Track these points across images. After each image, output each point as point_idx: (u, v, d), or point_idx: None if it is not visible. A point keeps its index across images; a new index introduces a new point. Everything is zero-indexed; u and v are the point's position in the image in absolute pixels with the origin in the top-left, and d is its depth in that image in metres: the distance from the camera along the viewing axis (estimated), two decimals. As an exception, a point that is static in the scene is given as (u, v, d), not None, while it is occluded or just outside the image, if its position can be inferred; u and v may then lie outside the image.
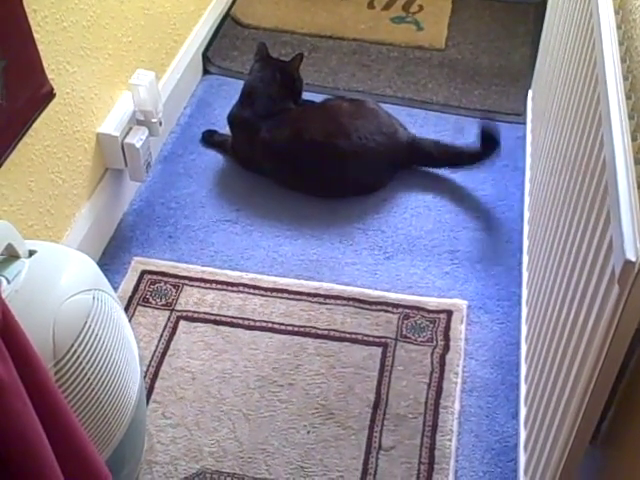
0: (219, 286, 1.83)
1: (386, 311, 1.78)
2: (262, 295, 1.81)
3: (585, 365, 1.02)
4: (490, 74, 2.44)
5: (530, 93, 2.16)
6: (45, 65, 1.54)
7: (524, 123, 2.15)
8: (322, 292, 1.82)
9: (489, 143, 2.03)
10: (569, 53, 1.47)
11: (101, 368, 1.23)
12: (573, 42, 1.45)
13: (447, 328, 1.74)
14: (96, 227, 1.86)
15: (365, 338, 1.73)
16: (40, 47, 1.51)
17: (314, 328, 1.75)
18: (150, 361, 1.68)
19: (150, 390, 1.63)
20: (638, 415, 1.00)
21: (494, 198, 2.05)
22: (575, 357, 1.09)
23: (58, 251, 1.31)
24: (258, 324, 1.76)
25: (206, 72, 2.46)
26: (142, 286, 1.83)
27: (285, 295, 1.81)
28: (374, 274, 1.88)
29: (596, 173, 1.10)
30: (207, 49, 2.47)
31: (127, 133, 1.89)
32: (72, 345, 1.17)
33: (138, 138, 1.89)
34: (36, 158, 1.58)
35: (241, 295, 1.81)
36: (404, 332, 1.74)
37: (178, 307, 1.79)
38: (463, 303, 1.80)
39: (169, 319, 1.76)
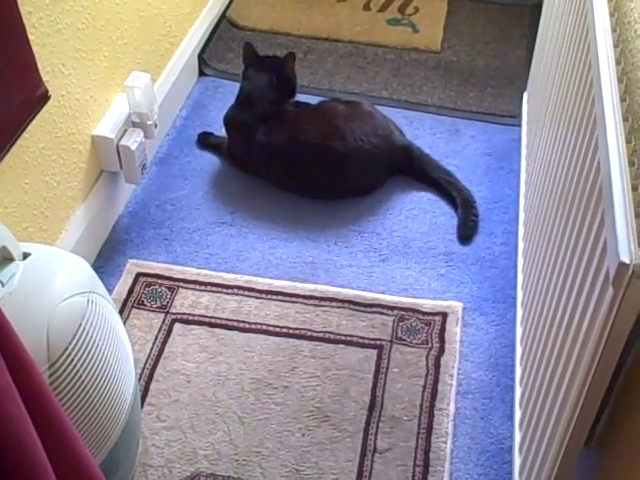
0: (214, 288, 1.83)
1: (381, 313, 1.78)
2: (257, 297, 1.81)
3: (580, 367, 1.02)
4: (485, 76, 2.44)
5: (525, 95, 2.16)
6: (40, 67, 1.53)
7: (519, 125, 2.15)
8: (317, 294, 1.82)
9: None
10: (564, 55, 1.48)
11: (95, 371, 1.22)
12: (568, 44, 1.45)
13: (442, 330, 1.74)
14: (91, 229, 1.86)
15: (360, 340, 1.73)
16: (35, 49, 1.51)
17: (309, 330, 1.75)
18: (145, 364, 1.68)
19: (145, 393, 1.63)
20: (633, 416, 1.00)
21: (489, 200, 2.06)
22: (570, 359, 1.09)
23: (52, 253, 1.31)
24: (253, 326, 1.75)
25: (202, 74, 2.46)
26: (137, 288, 1.82)
27: (280, 297, 1.81)
28: (369, 276, 1.88)
29: (591, 175, 1.10)
30: (203, 51, 2.47)
31: (122, 135, 1.89)
32: (66, 348, 1.17)
33: (133, 140, 1.89)
34: (31, 160, 1.58)
35: (236, 297, 1.81)
36: (399, 334, 1.74)
37: (173, 309, 1.78)
38: (458, 305, 1.80)
39: (164, 321, 1.76)
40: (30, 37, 1.49)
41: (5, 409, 0.84)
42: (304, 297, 1.81)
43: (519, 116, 2.19)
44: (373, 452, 1.55)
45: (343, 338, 1.74)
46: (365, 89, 2.38)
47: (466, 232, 1.97)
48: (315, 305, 1.80)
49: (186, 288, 1.83)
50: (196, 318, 1.77)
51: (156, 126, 1.98)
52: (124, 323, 1.70)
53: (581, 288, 1.07)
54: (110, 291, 1.78)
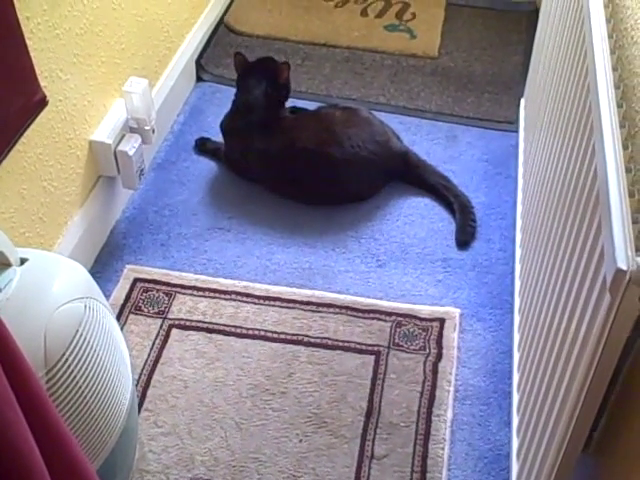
0: (212, 294, 1.83)
1: (379, 319, 1.78)
2: (255, 303, 1.81)
3: (577, 373, 1.02)
4: (483, 82, 2.44)
5: (523, 101, 2.16)
6: (38, 72, 1.53)
7: (517, 131, 2.15)
8: (315, 300, 1.82)
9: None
10: (561, 62, 1.48)
11: (93, 377, 1.22)
12: (565, 51, 1.45)
13: (440, 336, 1.74)
14: (88, 235, 1.85)
15: (358, 346, 1.73)
16: (33, 54, 1.51)
17: (306, 336, 1.75)
18: (142, 369, 1.68)
19: (142, 398, 1.63)
20: (630, 422, 1.00)
21: (487, 206, 2.06)
22: (567, 365, 1.09)
23: (50, 259, 1.31)
24: (250, 332, 1.75)
25: (199, 79, 2.46)
26: (134, 294, 1.82)
27: (278, 303, 1.81)
28: (367, 282, 1.88)
29: (588, 181, 1.10)
30: (200, 56, 2.47)
31: (120, 141, 1.89)
32: (64, 354, 1.17)
33: (131, 146, 1.89)
34: (28, 166, 1.58)
35: (233, 303, 1.81)
36: (397, 340, 1.74)
37: (170, 315, 1.78)
38: (456, 311, 1.80)
39: (161, 327, 1.76)
40: (28, 42, 1.49)
41: (2, 415, 0.84)
42: (301, 303, 1.81)
43: (516, 122, 2.20)
44: (370, 458, 1.55)
45: (340, 344, 1.73)
46: (362, 95, 2.39)
47: (464, 237, 1.97)
48: (312, 311, 1.80)
49: (183, 294, 1.83)
50: (193, 324, 1.77)
51: (154, 131, 1.98)
52: (121, 329, 1.70)
53: (578, 294, 1.07)
54: (107, 297, 1.78)
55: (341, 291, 1.85)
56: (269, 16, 2.68)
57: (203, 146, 2.22)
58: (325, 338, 1.74)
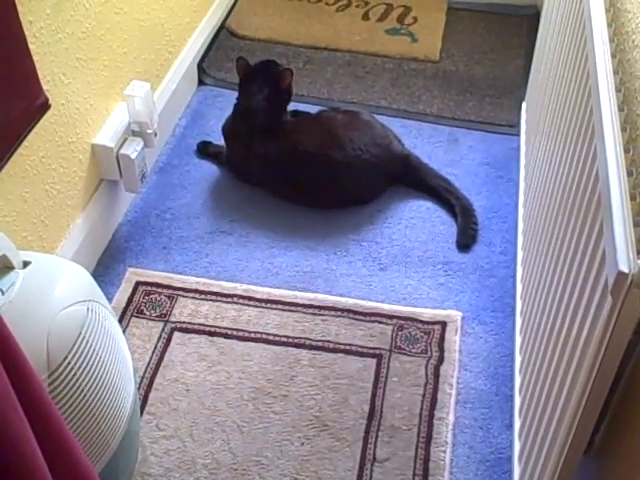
0: (213, 297, 1.83)
1: (380, 322, 1.78)
2: (256, 306, 1.81)
3: (579, 376, 1.02)
4: (484, 86, 2.45)
5: (524, 105, 2.17)
6: (40, 76, 1.54)
7: (518, 134, 2.16)
8: (316, 303, 1.82)
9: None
10: (562, 65, 1.48)
11: (95, 379, 1.22)
12: (566, 54, 1.45)
13: (441, 339, 1.75)
14: (90, 238, 1.86)
15: (359, 349, 1.73)
16: (35, 58, 1.51)
17: (308, 339, 1.75)
18: (144, 372, 1.68)
19: (144, 401, 1.63)
20: (632, 425, 1.00)
21: (488, 209, 2.06)
22: (569, 368, 1.09)
23: (52, 262, 1.31)
24: (252, 335, 1.75)
25: (201, 83, 2.46)
26: (136, 297, 1.82)
27: (279, 306, 1.81)
28: (368, 285, 1.88)
29: (589, 185, 1.10)
30: (202, 60, 2.48)
31: (122, 144, 1.90)
32: (66, 356, 1.17)
33: (133, 149, 1.90)
34: (31, 169, 1.58)
35: (235, 306, 1.81)
36: (398, 343, 1.74)
37: (172, 318, 1.78)
38: (457, 314, 1.80)
39: (163, 330, 1.76)
40: (31, 46, 1.49)
41: (5, 417, 0.84)
42: (303, 306, 1.81)
43: (518, 125, 2.20)
44: (372, 461, 1.55)
45: (342, 347, 1.74)
46: (364, 98, 2.39)
47: (466, 241, 1.97)
48: (314, 314, 1.80)
49: (185, 297, 1.83)
50: (195, 327, 1.77)
51: (156, 135, 1.98)
52: (123, 332, 1.70)
53: (580, 297, 1.07)
54: (109, 300, 1.78)
55: (343, 294, 1.85)
56: (271, 20, 2.69)
57: (205, 150, 2.23)
58: (327, 341, 1.75)
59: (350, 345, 1.74)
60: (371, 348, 1.73)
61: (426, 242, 1.98)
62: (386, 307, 1.81)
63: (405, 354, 1.72)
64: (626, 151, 1.01)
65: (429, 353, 1.72)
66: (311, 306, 1.81)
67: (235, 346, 1.73)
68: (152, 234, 1.99)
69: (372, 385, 1.67)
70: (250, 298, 1.83)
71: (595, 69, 1.13)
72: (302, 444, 1.57)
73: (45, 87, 1.56)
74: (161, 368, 1.69)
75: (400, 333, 1.76)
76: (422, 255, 1.95)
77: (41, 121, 1.57)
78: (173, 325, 1.77)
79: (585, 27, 1.27)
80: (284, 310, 1.80)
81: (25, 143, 1.54)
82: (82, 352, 1.19)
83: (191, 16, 2.37)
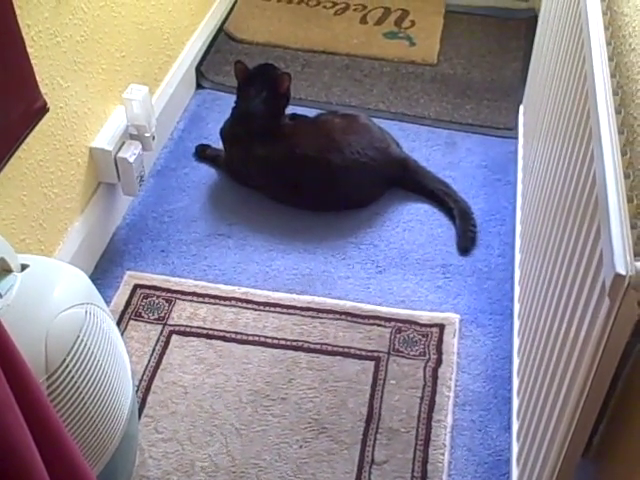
0: (212, 300, 1.83)
1: (378, 325, 1.78)
2: (255, 309, 1.81)
3: (577, 378, 1.03)
4: (482, 89, 2.45)
5: (521, 108, 2.17)
6: (39, 80, 1.54)
7: (516, 137, 2.16)
8: (314, 306, 1.82)
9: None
10: (560, 68, 1.49)
11: (93, 382, 1.22)
12: (564, 57, 1.46)
13: (439, 342, 1.75)
14: (89, 241, 1.86)
15: (357, 352, 1.73)
16: (34, 62, 1.51)
17: (306, 342, 1.75)
18: (142, 375, 1.68)
19: (142, 404, 1.63)
20: (630, 427, 1.00)
21: (486, 212, 2.06)
22: (567, 370, 1.09)
23: (50, 265, 1.31)
24: (251, 338, 1.75)
25: (199, 87, 2.47)
26: (134, 300, 1.82)
27: (278, 309, 1.81)
28: (367, 288, 1.88)
29: (586, 187, 1.10)
30: (200, 64, 2.48)
31: (120, 147, 1.90)
32: (64, 359, 1.17)
33: (131, 152, 1.90)
34: (29, 172, 1.58)
35: (234, 309, 1.81)
36: (396, 346, 1.74)
37: (170, 321, 1.78)
38: (455, 317, 1.80)
39: (161, 333, 1.76)
40: (29, 50, 1.49)
41: (4, 420, 0.84)
42: (301, 309, 1.81)
43: (515, 128, 2.20)
44: (371, 464, 1.55)
45: (340, 350, 1.74)
46: (362, 102, 2.40)
47: (465, 244, 1.97)
48: (312, 317, 1.80)
49: (184, 300, 1.83)
50: (194, 330, 1.77)
51: (154, 138, 1.99)
52: (122, 335, 1.70)
53: (577, 299, 1.08)
54: (107, 303, 1.78)
55: (341, 297, 1.85)
56: (269, 23, 2.69)
57: (203, 153, 2.23)
58: (325, 344, 1.75)
59: (348, 348, 1.74)
60: (369, 351, 1.73)
61: (424, 245, 1.98)
62: (384, 310, 1.81)
63: (403, 357, 1.72)
64: (623, 154, 1.01)
65: (427, 356, 1.72)
66: (309, 309, 1.81)
67: (233, 349, 1.73)
68: (150, 237, 1.99)
69: (370, 388, 1.67)
70: (248, 301, 1.83)
71: (592, 72, 1.13)
72: (300, 447, 1.57)
73: (43, 90, 1.57)
74: (159, 371, 1.69)
75: (398, 336, 1.76)
76: (420, 258, 1.95)
77: (39, 124, 1.58)
78: (171, 328, 1.77)
79: (582, 30, 1.28)
80: (282, 313, 1.81)
81: (23, 146, 1.54)
82: (80, 355, 1.19)
83: (189, 20, 2.37)
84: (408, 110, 2.37)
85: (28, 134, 1.54)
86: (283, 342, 1.75)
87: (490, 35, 2.68)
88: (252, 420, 1.61)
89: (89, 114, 1.80)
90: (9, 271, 1.19)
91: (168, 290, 1.85)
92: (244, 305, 1.82)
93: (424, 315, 1.80)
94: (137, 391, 1.64)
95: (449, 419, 1.61)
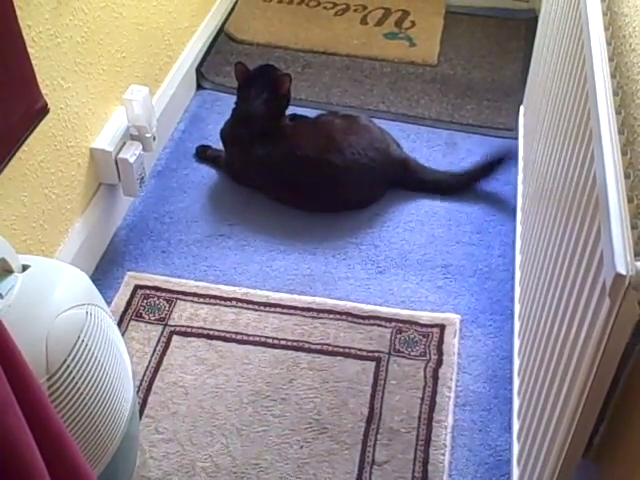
0: (212, 301, 1.83)
1: (379, 325, 1.78)
2: (255, 310, 1.81)
3: (577, 378, 1.03)
4: (482, 89, 2.45)
5: (522, 108, 2.17)
6: (39, 80, 1.54)
7: (516, 138, 2.16)
8: (315, 307, 1.82)
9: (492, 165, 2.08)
10: (560, 69, 1.49)
11: (94, 383, 1.22)
12: (564, 58, 1.46)
13: (440, 342, 1.75)
14: (89, 242, 1.86)
15: (358, 352, 1.73)
16: (34, 62, 1.51)
17: (307, 342, 1.75)
18: (143, 376, 1.68)
19: (143, 405, 1.63)
20: (631, 428, 1.00)
21: (486, 212, 2.06)
22: (567, 370, 1.09)
23: (51, 266, 1.31)
24: (251, 339, 1.76)
25: (200, 87, 2.47)
26: (135, 301, 1.83)
27: (278, 310, 1.81)
28: (367, 288, 1.88)
29: (587, 187, 1.11)
30: (201, 65, 2.48)
31: (121, 148, 1.90)
32: (65, 360, 1.17)
33: (132, 153, 1.90)
34: (30, 173, 1.58)
35: (234, 310, 1.81)
36: (397, 346, 1.74)
37: (171, 322, 1.78)
38: (456, 317, 1.80)
39: (162, 334, 1.76)
40: (30, 51, 1.49)
41: (5, 420, 0.84)
42: (302, 309, 1.82)
43: (516, 129, 2.20)
44: (371, 464, 1.55)
45: (341, 350, 1.74)
46: (362, 102, 2.40)
47: (508, 155, 2.05)
48: (313, 317, 1.80)
49: (184, 300, 1.83)
50: (194, 330, 1.77)
51: (154, 139, 1.99)
52: (122, 335, 1.70)
53: (578, 299, 1.08)
54: (108, 303, 1.78)
55: (341, 297, 1.85)
56: (269, 24, 2.69)
57: (203, 154, 2.23)
58: (326, 344, 1.75)
59: (349, 348, 1.74)
60: (370, 351, 1.73)
61: (425, 245, 1.98)
62: (385, 310, 1.82)
63: (404, 357, 1.72)
64: (623, 154, 1.01)
65: (428, 356, 1.72)
66: (310, 309, 1.81)
67: (234, 349, 1.73)
68: (151, 238, 1.99)
69: (371, 388, 1.67)
70: (249, 301, 1.83)
71: (592, 72, 1.13)
72: (301, 447, 1.57)
73: (44, 91, 1.57)
74: (160, 371, 1.69)
75: (399, 336, 1.76)
76: (420, 258, 1.95)
77: (40, 125, 1.58)
78: (172, 328, 1.77)
79: (582, 31, 1.28)
80: (283, 313, 1.81)
81: (24, 147, 1.54)
82: (81, 356, 1.20)
83: (190, 20, 2.37)
84: (408, 111, 2.37)
85: (29, 135, 1.54)
86: (284, 342, 1.75)
87: (490, 36, 2.68)
88: (253, 420, 1.61)
89: (90, 115, 1.81)
90: (10, 272, 1.19)
91: (169, 291, 1.85)
92: (245, 305, 1.82)
93: (425, 315, 1.80)
94: (138, 392, 1.64)
95: (450, 419, 1.61)
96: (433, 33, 2.67)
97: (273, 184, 2.08)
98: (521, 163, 2.01)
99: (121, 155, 1.89)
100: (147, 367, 1.69)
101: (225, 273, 1.91)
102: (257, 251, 1.97)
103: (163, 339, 1.75)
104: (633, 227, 0.91)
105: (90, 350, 1.21)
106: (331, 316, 1.80)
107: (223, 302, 1.83)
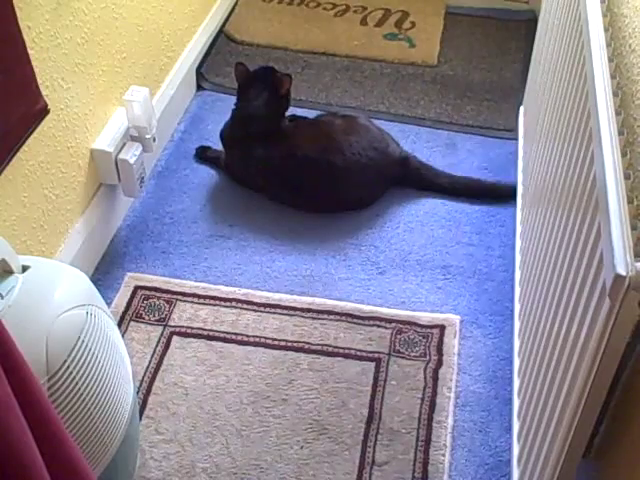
0: (212, 301, 1.83)
1: (379, 326, 1.78)
2: (255, 310, 1.81)
3: (577, 379, 1.03)
4: (482, 90, 2.45)
5: (522, 109, 2.17)
6: (39, 81, 1.54)
7: (516, 139, 2.16)
8: (315, 307, 1.82)
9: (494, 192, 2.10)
10: (560, 69, 1.49)
11: (94, 383, 1.23)
12: (564, 59, 1.46)
13: (440, 343, 1.75)
14: (89, 242, 1.86)
15: (358, 353, 1.73)
16: (34, 63, 1.52)
17: (307, 343, 1.75)
18: (143, 376, 1.68)
19: (143, 406, 1.63)
20: (631, 428, 1.00)
21: (486, 213, 2.06)
22: (567, 371, 1.09)
23: (51, 266, 1.31)
24: (251, 339, 1.76)
25: (200, 88, 2.47)
26: (135, 301, 1.83)
27: (278, 310, 1.81)
28: (367, 289, 1.88)
29: (587, 188, 1.11)
30: (201, 65, 2.48)
31: (121, 149, 1.90)
32: (65, 360, 1.17)
33: (132, 154, 1.90)
34: (30, 174, 1.58)
35: (234, 310, 1.81)
36: (397, 347, 1.74)
37: (171, 322, 1.79)
38: (456, 318, 1.80)
39: (162, 334, 1.76)
40: (30, 52, 1.49)
41: (5, 421, 0.85)
42: (302, 310, 1.82)
43: (515, 130, 2.20)
44: (371, 465, 1.55)
45: (341, 351, 1.74)
46: (362, 103, 2.40)
47: (509, 191, 2.04)
48: (313, 318, 1.80)
49: (184, 301, 1.83)
50: (194, 331, 1.77)
51: (154, 140, 1.99)
52: (122, 336, 1.70)
53: (578, 300, 1.08)
54: (108, 304, 1.78)
55: (341, 298, 1.85)
56: (269, 25, 2.69)
57: (203, 154, 2.23)
58: (325, 345, 1.75)
59: (349, 349, 1.74)
60: (370, 352, 1.73)
61: (424, 246, 1.98)
62: (385, 311, 1.82)
63: (404, 358, 1.72)
64: (623, 155, 1.01)
65: (428, 357, 1.72)
66: (310, 310, 1.82)
67: (234, 350, 1.73)
68: (151, 239, 1.99)
69: (371, 389, 1.67)
70: (249, 302, 1.83)
71: (592, 73, 1.13)
72: (301, 448, 1.57)
73: (44, 92, 1.57)
74: (160, 372, 1.69)
75: (399, 337, 1.76)
76: (420, 259, 1.95)
77: (40, 126, 1.58)
78: (172, 329, 1.77)
79: (582, 32, 1.28)
80: (283, 314, 1.81)
81: (24, 148, 1.54)
82: (81, 356, 1.20)
83: (189, 21, 2.37)
84: (408, 111, 2.37)
85: (29, 136, 1.54)
86: (284, 343, 1.75)
87: (490, 36, 2.68)
88: (253, 421, 1.61)
89: (90, 115, 1.81)
90: (10, 272, 1.19)
91: (169, 291, 1.85)
92: (245, 306, 1.82)
93: (425, 316, 1.80)
94: (138, 392, 1.64)
95: (450, 420, 1.61)
96: (433, 34, 2.67)
97: (273, 185, 2.08)
98: (521, 164, 2.01)
99: (121, 156, 1.89)
100: (147, 368, 1.69)
101: (225, 274, 1.91)
102: (257, 252, 1.97)
103: (163, 340, 1.75)
104: (633, 228, 0.91)
105: (90, 351, 1.21)
106: (331, 317, 1.80)
107: (223, 303, 1.83)
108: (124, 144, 1.91)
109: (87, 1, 1.71)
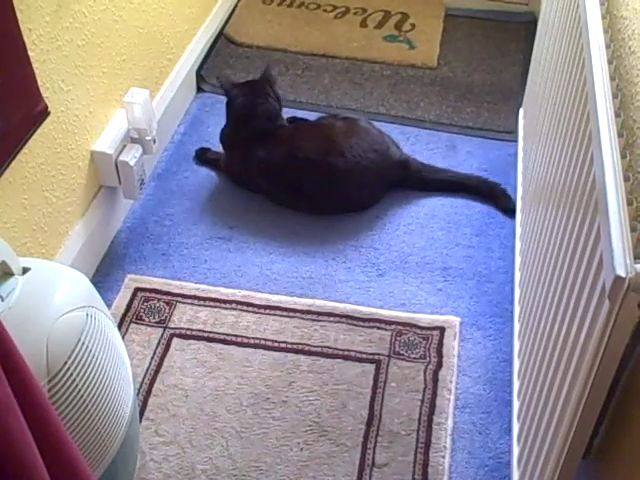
0: (212, 303, 1.83)
1: (379, 328, 1.78)
2: (255, 312, 1.81)
3: (577, 380, 1.03)
4: (482, 92, 2.46)
5: (521, 111, 2.17)
6: (40, 83, 1.54)
7: (515, 141, 2.16)
8: (315, 309, 1.82)
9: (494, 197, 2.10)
10: (559, 71, 1.49)
11: (94, 385, 1.23)
12: (563, 61, 1.46)
13: (440, 345, 1.75)
14: (90, 244, 1.86)
15: (358, 355, 1.73)
16: (35, 65, 1.52)
17: (307, 345, 1.75)
18: (143, 378, 1.68)
19: (143, 407, 1.63)
20: (631, 428, 1.00)
21: (486, 215, 2.07)
22: (567, 372, 1.09)
23: (52, 268, 1.31)
24: (251, 341, 1.76)
25: (200, 90, 2.47)
26: (135, 303, 1.83)
27: (278, 312, 1.82)
28: (367, 291, 1.88)
29: (586, 190, 1.11)
30: (201, 67, 2.49)
31: (121, 151, 1.90)
32: (65, 362, 1.17)
33: (132, 156, 1.90)
34: (30, 176, 1.58)
35: (234, 312, 1.81)
36: (397, 349, 1.74)
37: (171, 324, 1.79)
38: (456, 320, 1.80)
39: (162, 336, 1.76)
40: (30, 54, 1.50)
41: (5, 422, 0.85)
42: (302, 312, 1.82)
43: (515, 131, 2.21)
44: (371, 467, 1.55)
45: (341, 353, 1.74)
46: (362, 105, 2.40)
47: (507, 203, 2.04)
48: (313, 320, 1.80)
49: (184, 303, 1.83)
50: (194, 333, 1.77)
51: (154, 142, 1.99)
52: (123, 338, 1.70)
53: (578, 302, 1.08)
54: (108, 306, 1.78)
55: (341, 300, 1.85)
56: (269, 27, 2.70)
57: (203, 156, 2.23)
58: (325, 347, 1.75)
59: (349, 351, 1.74)
60: (370, 354, 1.74)
61: (424, 248, 1.99)
62: (384, 313, 1.82)
63: (404, 359, 1.73)
64: (623, 157, 1.01)
65: (428, 358, 1.73)
66: (310, 312, 1.82)
67: (234, 352, 1.73)
68: (151, 240, 1.99)
69: (371, 390, 1.67)
70: (249, 304, 1.83)
71: (592, 75, 1.13)
72: (301, 449, 1.57)
73: (44, 94, 1.57)
74: (160, 374, 1.69)
75: (399, 339, 1.76)
76: (420, 261, 1.95)
77: (40, 128, 1.58)
78: (172, 331, 1.77)
79: (582, 34, 1.28)
80: (283, 316, 1.81)
81: (24, 150, 1.54)
82: (81, 358, 1.20)
83: (189, 23, 2.37)
84: (408, 113, 2.38)
85: (29, 138, 1.55)
86: (283, 345, 1.75)
87: (490, 38, 2.69)
88: (253, 423, 1.61)
89: (90, 117, 1.81)
90: (10, 274, 1.19)
91: (169, 293, 1.85)
92: (244, 308, 1.82)
93: (424, 318, 1.81)
94: (138, 394, 1.64)
95: (449, 422, 1.61)
96: (433, 36, 2.67)
97: (273, 186, 2.08)
98: (520, 165, 2.01)
99: (121, 158, 1.89)
100: (147, 369, 1.69)
101: (225, 276, 1.91)
102: (257, 254, 1.97)
103: (163, 341, 1.75)
104: (632, 229, 0.91)
105: (90, 352, 1.22)
106: (331, 319, 1.80)
107: (223, 305, 1.83)
108: (124, 146, 1.92)
109: (87, 3, 1.71)
